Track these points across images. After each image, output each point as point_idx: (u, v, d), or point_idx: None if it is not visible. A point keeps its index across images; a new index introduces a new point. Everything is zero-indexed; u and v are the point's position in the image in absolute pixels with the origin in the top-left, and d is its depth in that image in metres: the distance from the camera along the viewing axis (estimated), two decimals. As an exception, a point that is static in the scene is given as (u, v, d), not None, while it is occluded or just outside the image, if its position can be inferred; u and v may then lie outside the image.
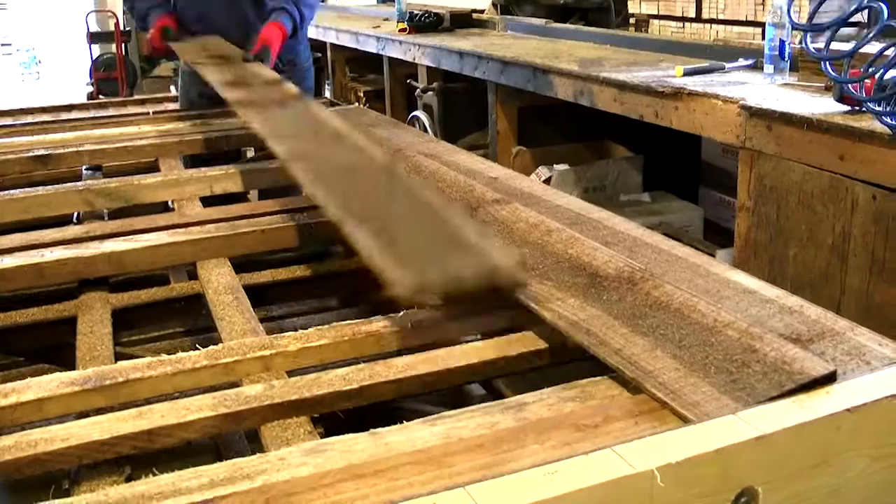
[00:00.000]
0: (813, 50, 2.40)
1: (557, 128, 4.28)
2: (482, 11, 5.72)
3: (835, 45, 2.35)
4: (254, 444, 1.29)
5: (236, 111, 2.20)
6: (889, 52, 2.22)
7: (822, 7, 2.37)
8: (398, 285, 1.16)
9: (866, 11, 2.21)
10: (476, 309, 1.45)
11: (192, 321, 1.86)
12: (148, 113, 3.32)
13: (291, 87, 2.40)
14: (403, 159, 1.87)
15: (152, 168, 2.62)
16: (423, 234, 1.36)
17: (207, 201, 2.33)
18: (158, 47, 3.25)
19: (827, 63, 2.38)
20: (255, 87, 2.38)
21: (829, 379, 1.07)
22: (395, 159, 1.86)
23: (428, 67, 4.90)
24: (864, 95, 2.32)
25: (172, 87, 6.26)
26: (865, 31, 2.27)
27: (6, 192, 2.28)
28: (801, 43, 3.11)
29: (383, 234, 1.32)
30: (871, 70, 2.27)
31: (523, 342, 1.35)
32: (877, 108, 2.24)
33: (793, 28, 2.56)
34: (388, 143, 2.44)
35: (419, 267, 1.21)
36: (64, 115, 3.40)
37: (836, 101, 2.46)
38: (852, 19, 2.41)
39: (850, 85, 2.35)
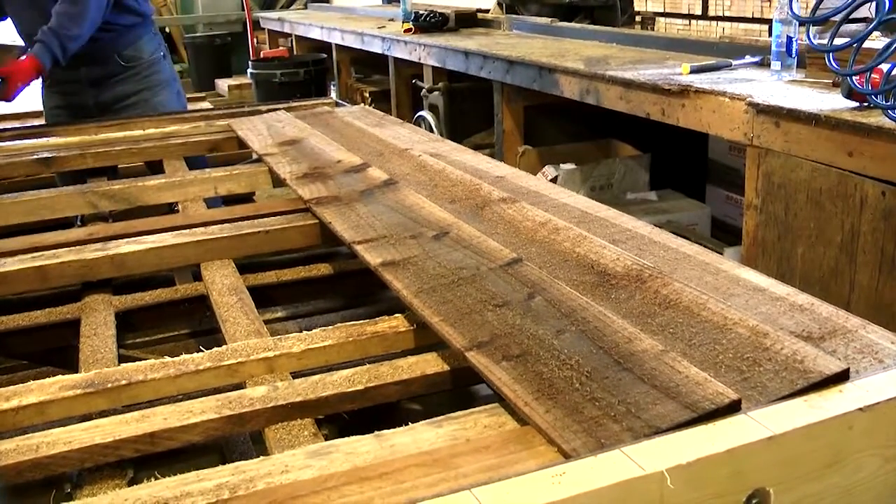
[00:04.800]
0: (815, 43, 2.39)
1: (563, 127, 4.27)
2: (487, 11, 5.71)
3: (841, 41, 2.34)
4: (258, 444, 1.28)
5: (313, 210, 1.93)
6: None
7: (827, 2, 2.35)
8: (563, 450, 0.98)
9: (874, 6, 2.19)
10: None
11: (197, 323, 1.85)
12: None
13: (376, 173, 2.12)
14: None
15: (156, 170, 2.62)
16: (589, 365, 1.12)
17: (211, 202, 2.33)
18: None
19: (831, 56, 2.36)
20: (334, 179, 2.12)
21: (842, 377, 1.05)
22: (522, 253, 1.51)
23: (433, 67, 4.89)
24: (871, 89, 2.30)
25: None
26: (868, 24, 2.26)
27: (10, 194, 2.27)
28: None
29: (530, 371, 1.13)
30: (874, 63, 2.26)
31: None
32: (883, 103, 2.23)
33: (797, 21, 2.55)
34: (393, 142, 2.43)
35: (594, 423, 1.01)
36: (69, 118, 3.39)
37: (845, 97, 2.45)
38: (860, 15, 2.40)
39: (855, 79, 2.34)
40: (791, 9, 2.57)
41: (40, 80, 3.04)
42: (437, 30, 5.20)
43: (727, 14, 3.85)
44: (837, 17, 2.32)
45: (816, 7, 2.38)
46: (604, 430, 0.98)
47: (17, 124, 3.34)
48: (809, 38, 2.38)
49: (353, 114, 2.98)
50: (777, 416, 0.97)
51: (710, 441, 0.93)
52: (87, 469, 1.15)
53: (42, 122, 3.30)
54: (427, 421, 1.10)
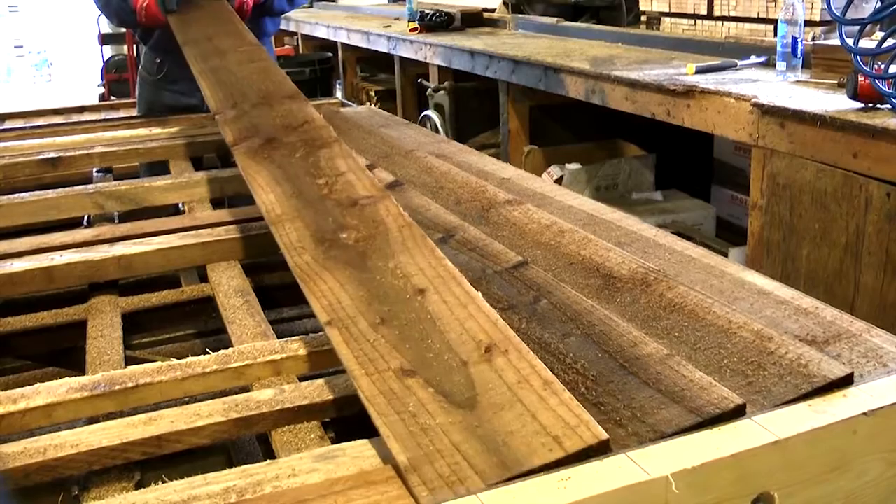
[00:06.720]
0: (849, 43, 2.37)
1: (569, 127, 4.27)
2: (493, 10, 5.71)
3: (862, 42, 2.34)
4: (265, 445, 1.29)
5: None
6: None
7: (835, 2, 2.35)
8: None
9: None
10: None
11: (203, 324, 1.85)
12: (158, 114, 3.31)
13: (383, 174, 2.06)
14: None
15: (163, 170, 2.62)
16: (595, 369, 1.12)
17: (218, 203, 2.33)
18: (154, 17, 2.93)
19: (858, 57, 2.35)
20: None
21: (846, 381, 1.05)
22: (528, 256, 1.52)
23: (439, 67, 4.89)
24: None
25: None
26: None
27: (16, 194, 2.27)
28: (813, 39, 3.10)
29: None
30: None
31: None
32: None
33: (837, 21, 2.51)
34: (399, 142, 2.43)
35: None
36: (75, 117, 3.40)
37: (850, 97, 2.44)
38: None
39: (883, 81, 2.32)
40: (829, 7, 2.53)
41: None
42: (442, 29, 5.20)
43: (732, 14, 3.85)
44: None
45: (847, 6, 2.36)
46: (609, 434, 0.99)
47: (21, 123, 3.33)
48: (842, 39, 2.35)
49: (359, 114, 2.98)
50: (782, 420, 0.97)
51: (715, 445, 0.93)
52: (94, 472, 1.15)
53: (52, 121, 3.30)
54: (433, 424, 1.10)
